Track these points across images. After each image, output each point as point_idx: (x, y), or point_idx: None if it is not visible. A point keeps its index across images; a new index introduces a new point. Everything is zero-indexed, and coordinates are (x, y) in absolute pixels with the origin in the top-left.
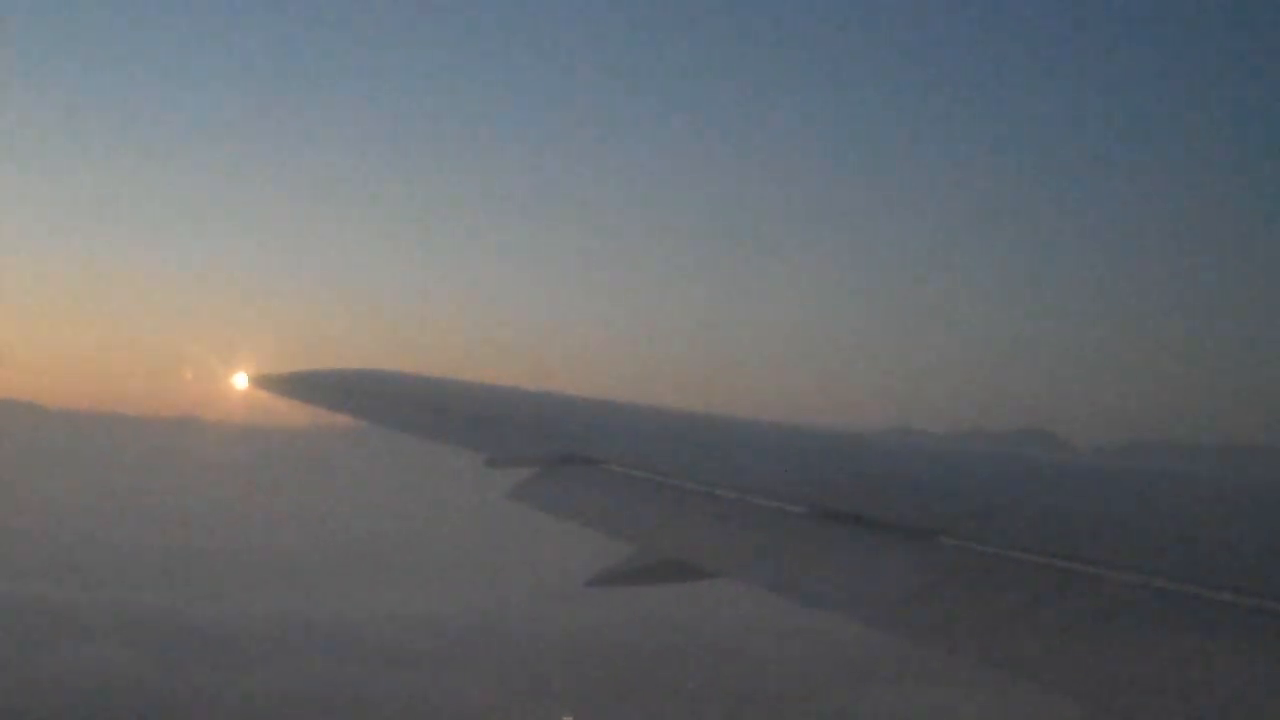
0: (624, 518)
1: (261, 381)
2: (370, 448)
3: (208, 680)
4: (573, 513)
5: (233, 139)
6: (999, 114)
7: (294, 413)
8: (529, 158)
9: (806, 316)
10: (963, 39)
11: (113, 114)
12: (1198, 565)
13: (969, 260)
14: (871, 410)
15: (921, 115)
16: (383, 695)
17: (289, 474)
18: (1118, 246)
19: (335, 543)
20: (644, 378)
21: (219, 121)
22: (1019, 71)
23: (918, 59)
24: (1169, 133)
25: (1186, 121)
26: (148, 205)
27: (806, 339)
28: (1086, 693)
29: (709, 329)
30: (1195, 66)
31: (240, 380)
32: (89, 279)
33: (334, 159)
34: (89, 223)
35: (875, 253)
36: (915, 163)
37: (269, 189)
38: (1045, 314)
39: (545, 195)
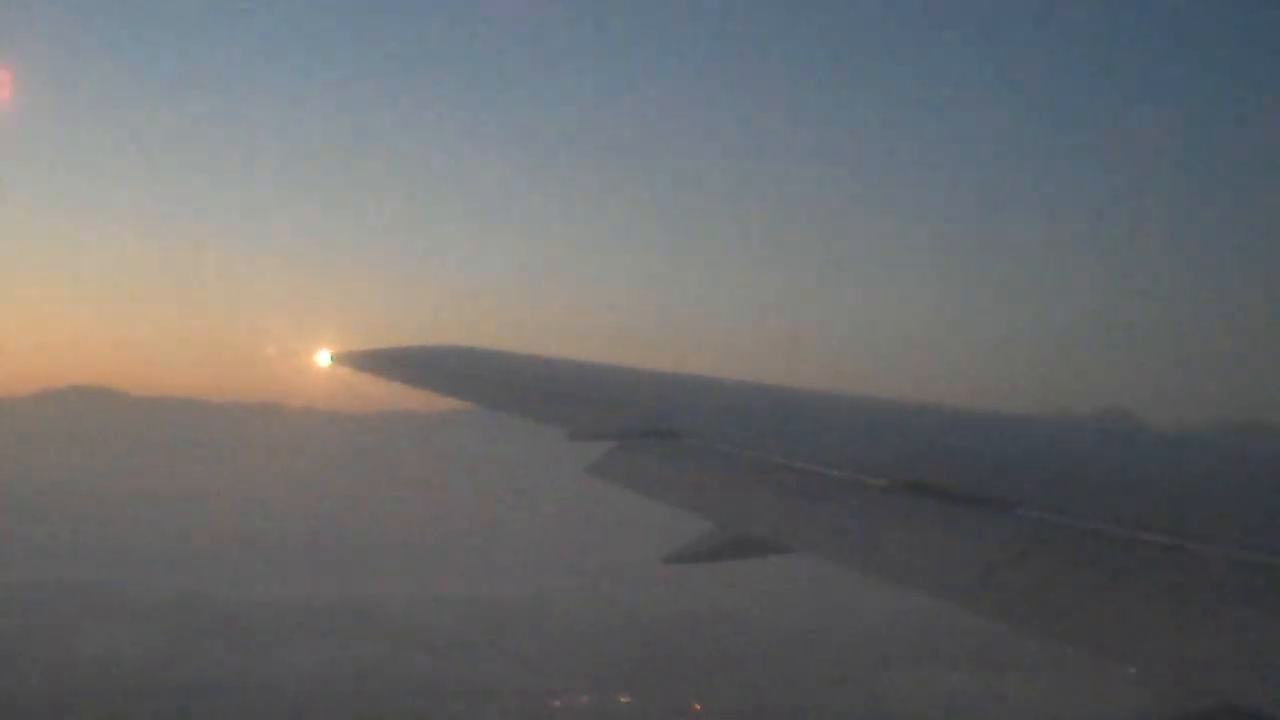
0: (702, 492)
1: (344, 359)
2: (450, 429)
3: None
4: (651, 488)
5: (312, 120)
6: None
7: (375, 395)
8: (619, 128)
9: (884, 296)
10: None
11: (173, 96)
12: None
13: (1050, 241)
14: (952, 395)
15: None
16: (455, 676)
17: (369, 457)
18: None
19: (412, 526)
20: (728, 353)
21: (294, 103)
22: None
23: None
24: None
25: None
26: (228, 188)
27: (884, 318)
28: (1165, 671)
29: (793, 307)
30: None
31: (323, 358)
32: (168, 264)
33: (414, 134)
34: (167, 207)
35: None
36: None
37: (351, 169)
38: (1119, 300)
39: (627, 167)
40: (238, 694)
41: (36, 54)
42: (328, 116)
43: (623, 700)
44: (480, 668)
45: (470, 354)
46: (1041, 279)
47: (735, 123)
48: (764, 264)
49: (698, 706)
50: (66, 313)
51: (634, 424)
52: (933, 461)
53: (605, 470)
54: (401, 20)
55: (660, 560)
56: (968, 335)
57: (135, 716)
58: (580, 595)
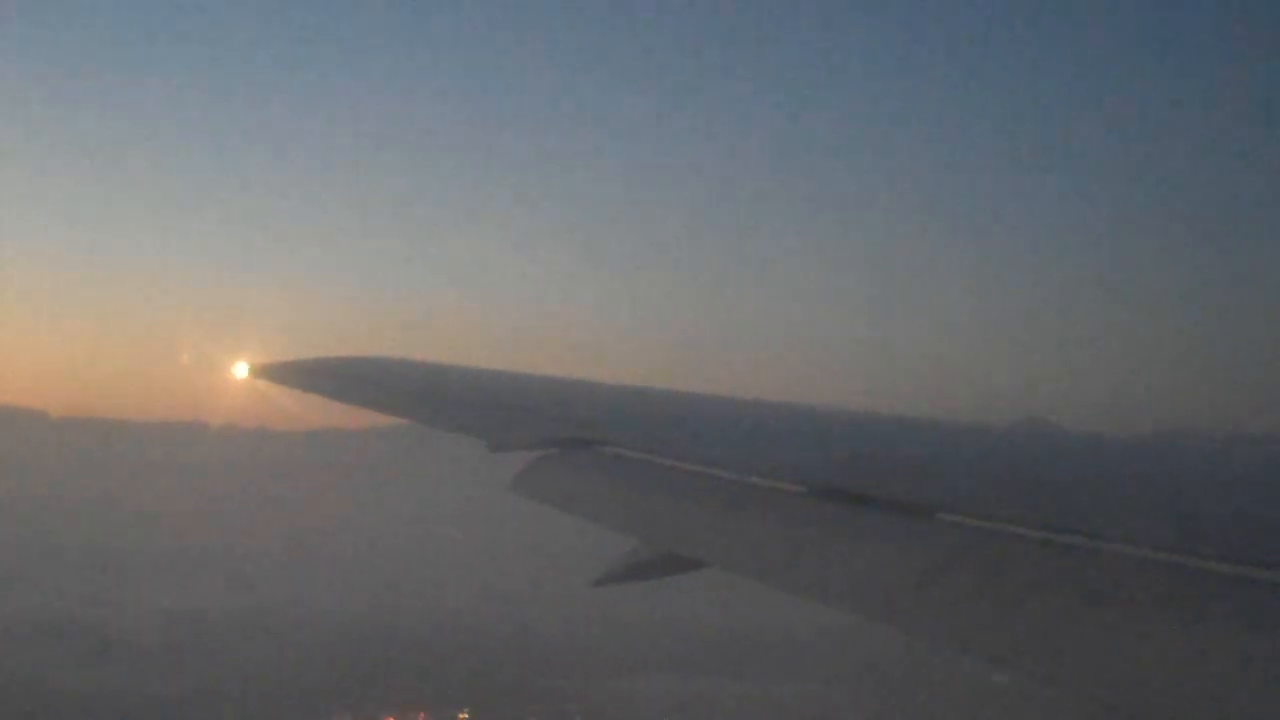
0: (622, 506)
1: (262, 371)
2: (378, 446)
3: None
4: (573, 503)
5: (222, 130)
6: (994, 104)
7: (297, 410)
8: (522, 144)
9: (805, 305)
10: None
11: (103, 114)
12: (1197, 537)
13: (969, 251)
14: (873, 403)
15: (926, 103)
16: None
17: (291, 475)
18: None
19: (336, 542)
20: (646, 363)
21: (210, 113)
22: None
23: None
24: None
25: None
26: (140, 205)
27: (805, 327)
28: (1086, 683)
29: (709, 315)
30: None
31: (241, 370)
32: (88, 283)
33: (327, 144)
34: (83, 224)
35: (878, 240)
36: (918, 152)
37: (262, 182)
38: (1043, 307)
39: (540, 180)
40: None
41: None
42: (241, 126)
43: (461, 717)
44: (314, 684)
45: (390, 365)
46: (957, 288)
47: (638, 140)
48: (684, 278)
49: None
50: None
51: (555, 434)
52: (851, 467)
53: (527, 484)
54: (306, 43)
55: (590, 584)
56: (894, 341)
57: None
58: (449, 614)
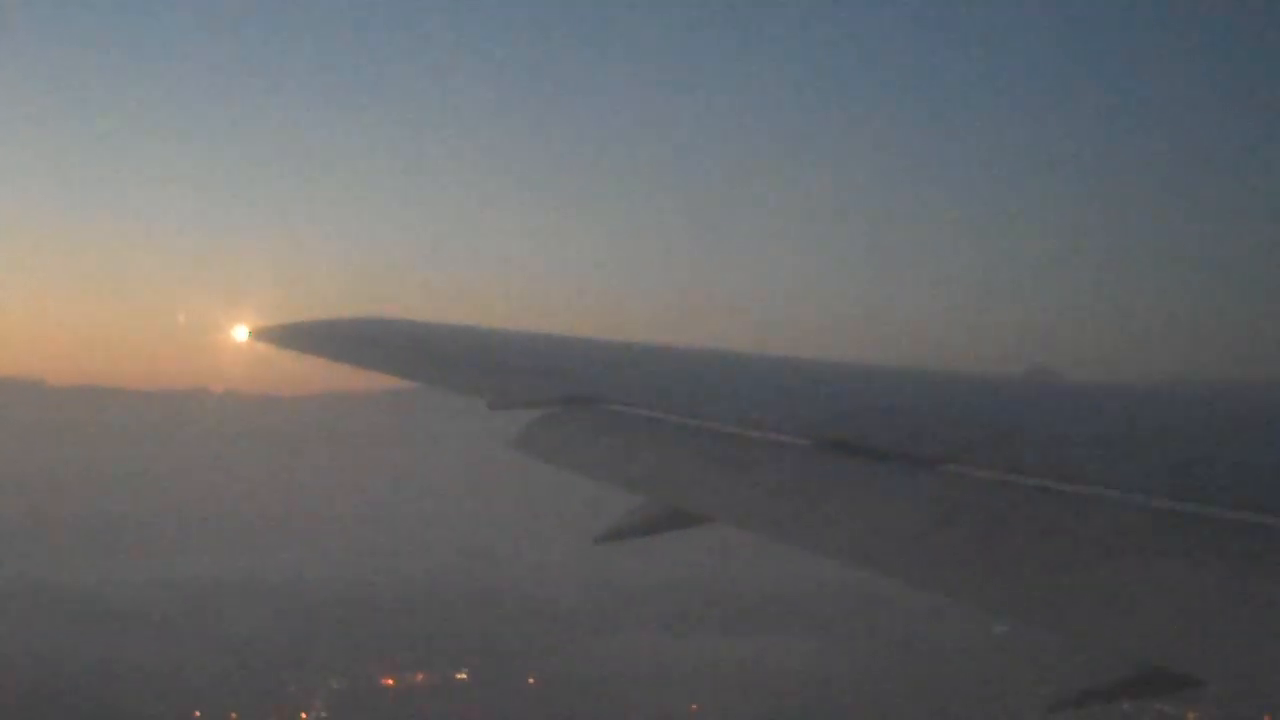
0: (626, 463)
1: (261, 334)
2: (375, 410)
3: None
4: (576, 461)
5: (219, 92)
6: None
7: (305, 375)
8: (515, 100)
9: (809, 260)
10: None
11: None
12: (1202, 484)
13: (975, 202)
14: (878, 357)
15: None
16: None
17: (293, 440)
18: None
19: (336, 506)
20: (649, 320)
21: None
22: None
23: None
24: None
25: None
26: (137, 171)
27: (808, 282)
28: (1095, 631)
29: (711, 271)
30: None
31: (241, 333)
32: (85, 250)
33: (328, 102)
34: (79, 191)
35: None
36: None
37: (261, 146)
38: (1048, 257)
39: (539, 137)
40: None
41: None
42: (237, 93)
43: (459, 677)
44: (311, 648)
45: (390, 325)
46: (978, 243)
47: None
48: (687, 230)
49: (532, 680)
50: None
51: (557, 392)
52: (856, 419)
53: (528, 443)
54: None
55: (594, 540)
56: (898, 296)
57: None
58: (450, 576)
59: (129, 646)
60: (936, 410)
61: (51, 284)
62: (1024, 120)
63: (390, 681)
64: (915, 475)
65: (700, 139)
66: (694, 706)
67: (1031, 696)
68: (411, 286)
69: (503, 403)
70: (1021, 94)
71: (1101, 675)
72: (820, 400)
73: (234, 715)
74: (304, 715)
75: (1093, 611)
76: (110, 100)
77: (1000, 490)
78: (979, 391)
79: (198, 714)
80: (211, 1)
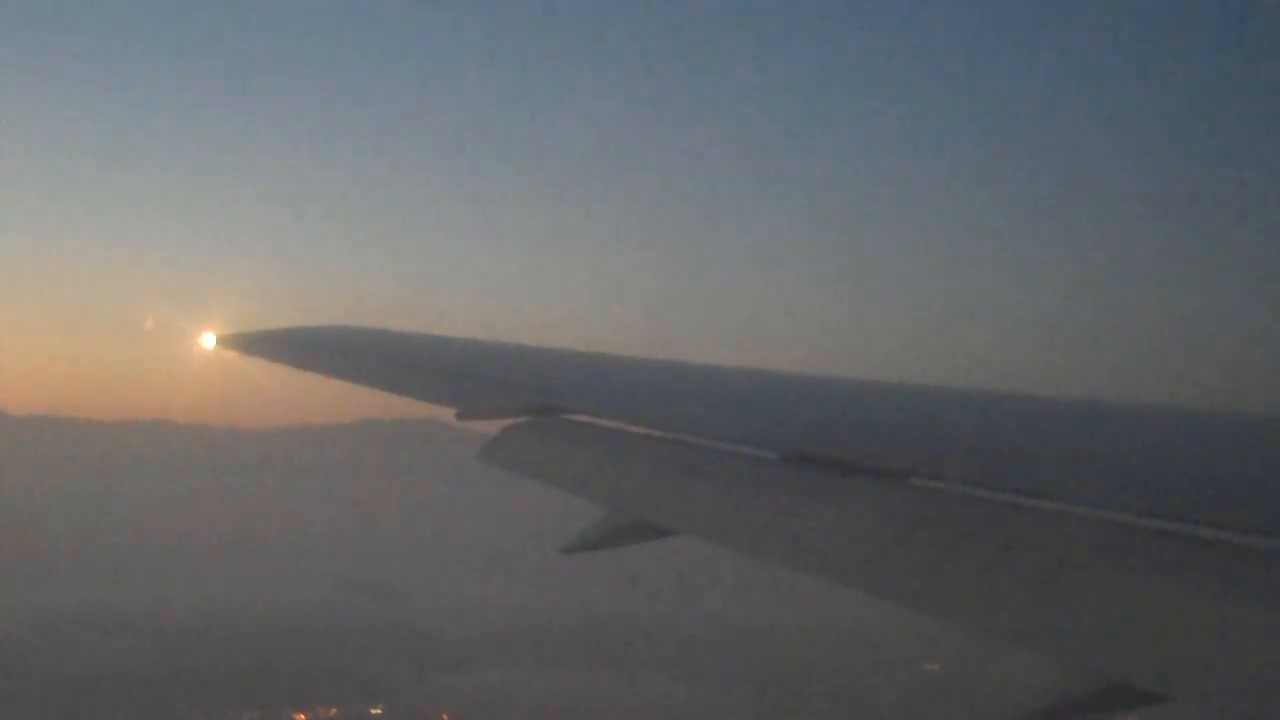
0: (591, 474)
1: (229, 341)
2: (336, 442)
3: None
4: (542, 472)
5: (182, 108)
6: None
7: (270, 409)
8: (492, 115)
9: (783, 275)
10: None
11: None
12: (1168, 501)
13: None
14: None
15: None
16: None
17: (248, 472)
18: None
19: (274, 538)
20: (616, 332)
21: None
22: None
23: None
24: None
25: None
26: (99, 193)
27: (783, 299)
28: (1057, 647)
29: (679, 283)
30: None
31: (208, 340)
32: (48, 276)
33: (296, 117)
34: (41, 216)
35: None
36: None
37: (226, 162)
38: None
39: (514, 154)
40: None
41: None
42: (191, 99)
43: (374, 712)
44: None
45: (358, 334)
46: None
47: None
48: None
49: (446, 716)
50: None
51: (523, 403)
52: (822, 432)
53: (495, 453)
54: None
55: (560, 551)
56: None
57: None
58: (334, 610)
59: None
60: (902, 424)
61: (14, 310)
62: (1013, 144)
63: (301, 717)
64: (880, 488)
65: (671, 148)
66: None
67: None
68: (380, 296)
69: (470, 413)
70: (1015, 110)
71: (1066, 690)
72: (786, 413)
73: None
74: None
75: (1058, 625)
76: (72, 115)
77: (966, 504)
78: (945, 405)
79: None
80: (169, 8)
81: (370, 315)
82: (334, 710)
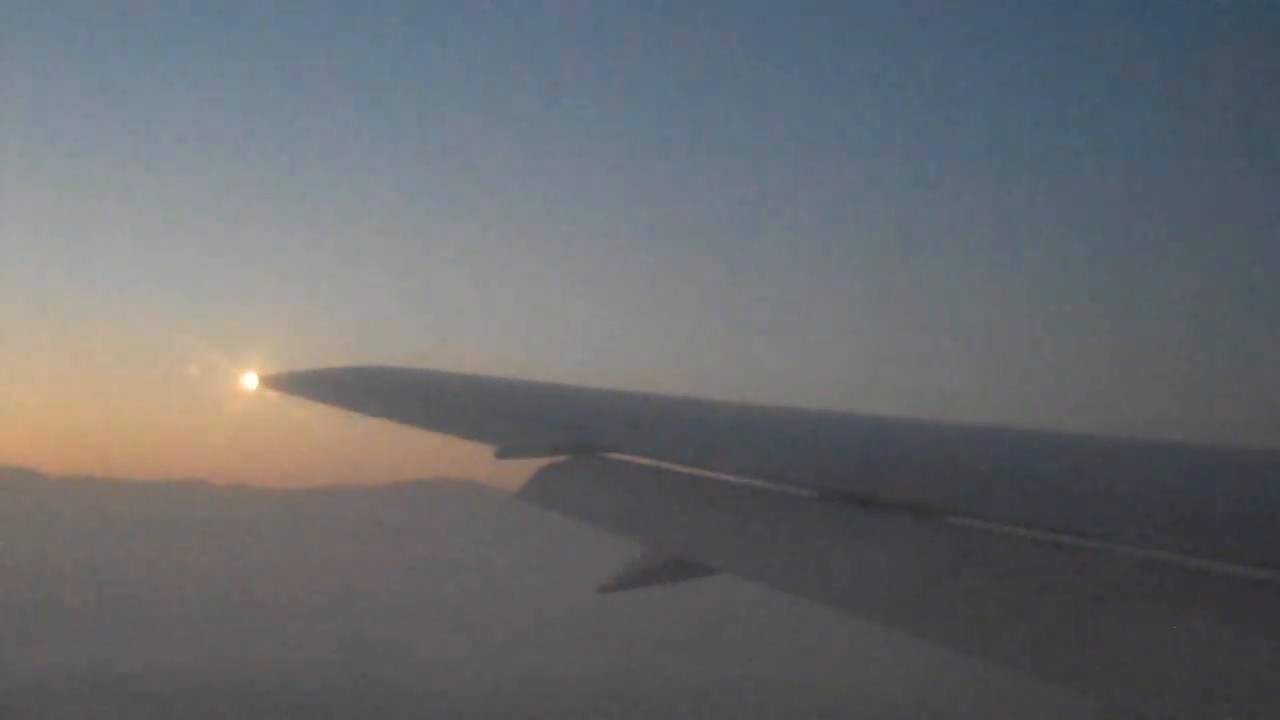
0: (630, 513)
1: (271, 382)
2: (375, 505)
3: None
4: (581, 510)
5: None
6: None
7: (310, 469)
8: (526, 152)
9: (812, 310)
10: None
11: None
12: (1205, 538)
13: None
14: (883, 409)
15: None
16: None
17: (285, 534)
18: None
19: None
20: (657, 372)
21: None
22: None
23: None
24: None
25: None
26: (130, 246)
27: (812, 334)
28: (1102, 688)
29: (716, 321)
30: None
31: (250, 381)
32: (81, 328)
33: (322, 144)
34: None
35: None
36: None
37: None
38: (1055, 314)
39: (546, 184)
40: None
41: None
42: (205, 129)
43: None
44: None
45: (398, 374)
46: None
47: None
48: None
49: None
50: None
51: (564, 441)
52: (861, 470)
53: (535, 491)
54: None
55: (596, 589)
56: (900, 354)
57: None
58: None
59: None
60: (941, 461)
61: (46, 366)
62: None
63: None
64: (919, 526)
65: (711, 181)
66: None
67: None
68: (416, 336)
69: (510, 451)
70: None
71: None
72: (824, 451)
73: None
74: None
75: (1096, 664)
76: (95, 167)
77: (1004, 542)
78: (984, 442)
79: None
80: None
81: (408, 355)
82: None
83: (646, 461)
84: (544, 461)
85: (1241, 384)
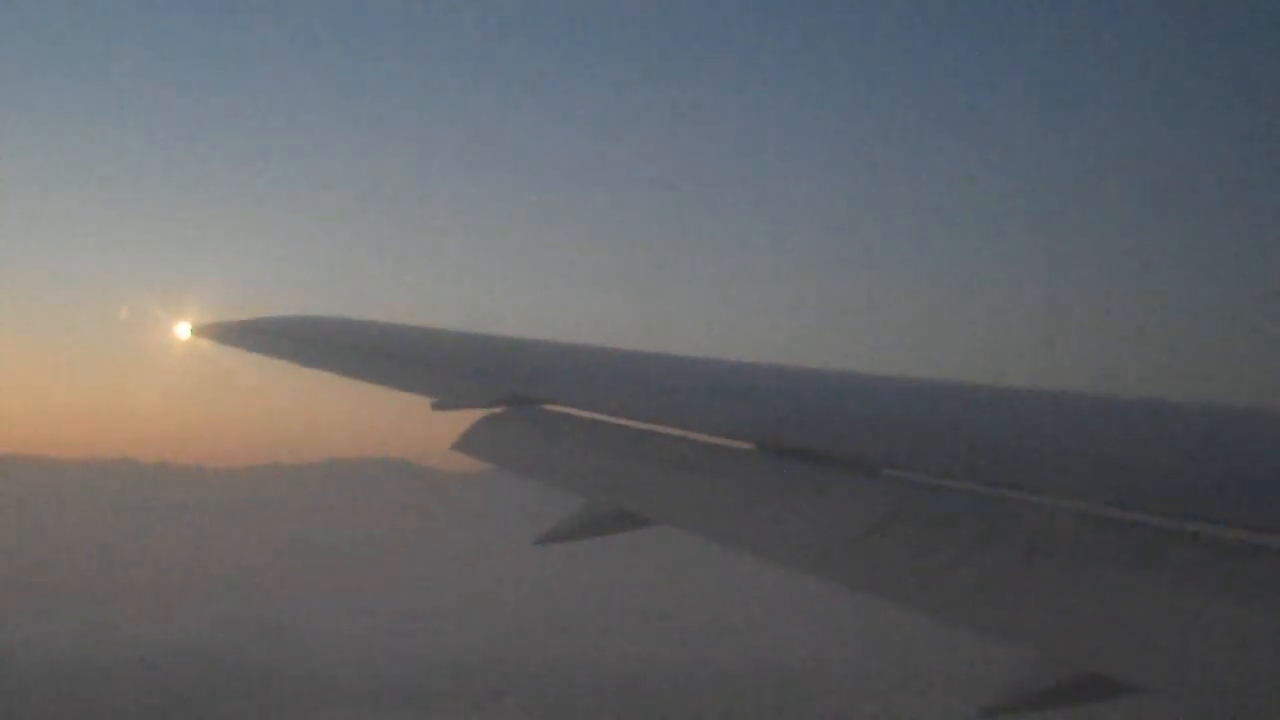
0: (568, 464)
1: (204, 330)
2: (320, 482)
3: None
4: (518, 461)
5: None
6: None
7: (245, 448)
8: (478, 105)
9: (767, 273)
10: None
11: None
12: (1139, 491)
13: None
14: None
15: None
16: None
17: (200, 512)
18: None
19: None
20: (594, 322)
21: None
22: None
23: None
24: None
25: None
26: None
27: (766, 296)
28: (1032, 637)
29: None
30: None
31: (183, 330)
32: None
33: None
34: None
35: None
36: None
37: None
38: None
39: (499, 143)
40: None
41: None
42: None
43: None
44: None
45: (336, 324)
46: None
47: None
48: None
49: None
50: None
51: (501, 393)
52: (799, 423)
53: (472, 443)
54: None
55: (534, 542)
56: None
57: None
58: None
59: None
60: (879, 415)
61: None
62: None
63: None
64: (857, 479)
65: (654, 139)
66: None
67: None
68: (358, 286)
69: (447, 403)
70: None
71: (1040, 680)
72: (763, 403)
73: None
74: None
75: (1031, 615)
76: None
77: (942, 495)
78: (922, 396)
79: None
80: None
81: (349, 305)
82: None
83: (585, 414)
84: (481, 413)
85: (1241, 384)
